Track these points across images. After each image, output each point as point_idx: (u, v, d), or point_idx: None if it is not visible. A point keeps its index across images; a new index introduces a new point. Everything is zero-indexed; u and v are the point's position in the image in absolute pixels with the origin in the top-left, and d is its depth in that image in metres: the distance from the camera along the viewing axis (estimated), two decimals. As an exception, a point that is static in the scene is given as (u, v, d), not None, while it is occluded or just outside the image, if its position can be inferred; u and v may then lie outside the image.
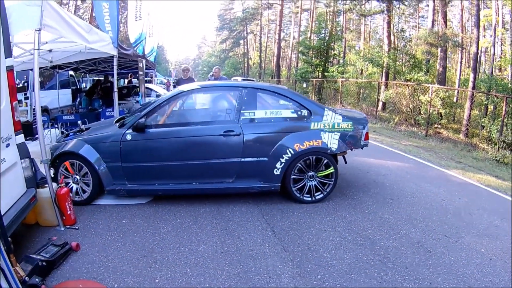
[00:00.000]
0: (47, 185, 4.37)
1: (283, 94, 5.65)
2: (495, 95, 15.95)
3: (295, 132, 5.32)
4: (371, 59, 24.71)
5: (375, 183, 6.90)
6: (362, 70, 28.72)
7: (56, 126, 9.04)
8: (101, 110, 10.31)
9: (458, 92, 20.55)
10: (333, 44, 32.67)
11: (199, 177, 5.32)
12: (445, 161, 9.97)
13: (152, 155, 5.17)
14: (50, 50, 7.37)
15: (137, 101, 12.20)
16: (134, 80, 15.75)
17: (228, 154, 5.23)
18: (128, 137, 5.10)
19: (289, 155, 5.21)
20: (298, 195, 5.53)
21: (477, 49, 18.45)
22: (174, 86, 9.20)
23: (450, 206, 6.06)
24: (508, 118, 13.92)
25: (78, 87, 16.62)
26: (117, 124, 5.60)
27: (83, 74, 15.48)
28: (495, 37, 25.44)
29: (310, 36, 36.46)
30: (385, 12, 25.60)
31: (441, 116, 16.95)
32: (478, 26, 18.05)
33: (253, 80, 39.65)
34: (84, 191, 5.29)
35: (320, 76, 30.13)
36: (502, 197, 7.07)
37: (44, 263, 3.43)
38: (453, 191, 6.95)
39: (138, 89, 12.89)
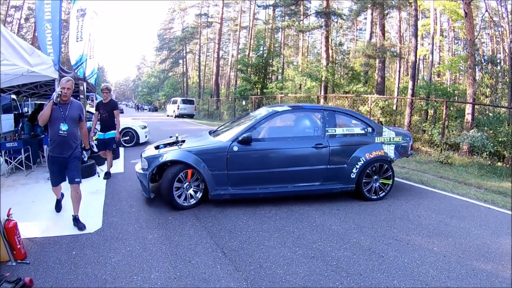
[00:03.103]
0: (-6, 219, 4.10)
1: (353, 115, 7.13)
2: (435, 100, 16.75)
3: (364, 145, 6.70)
4: (309, 73, 25.30)
5: (320, 195, 6.89)
6: (300, 85, 29.33)
7: None
8: (43, 136, 9.75)
9: (397, 100, 21.43)
10: (271, 60, 33.36)
11: (294, 181, 6.42)
12: (389, 168, 10.21)
13: (256, 163, 6.22)
14: (-7, 74, 6.87)
15: None
16: None
17: (318, 162, 6.44)
18: (235, 148, 6.09)
19: (362, 162, 6.57)
20: (367, 194, 6.75)
21: (415, 58, 19.38)
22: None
23: (398, 211, 6.21)
24: (449, 121, 14.61)
25: (21, 111, 15.78)
26: (212, 136, 6.92)
27: (25, 98, 14.73)
28: (433, 45, 26.93)
29: (249, 53, 37.10)
30: (323, 27, 26.37)
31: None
32: (416, 36, 19.00)
33: (193, 100, 39.77)
34: (191, 197, 6.19)
35: (259, 93, 30.68)
36: (449, 196, 7.37)
37: (-1, 302, 3.28)
38: (399, 196, 7.14)
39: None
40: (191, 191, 6.17)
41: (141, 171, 6.31)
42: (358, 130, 6.88)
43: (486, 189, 8.20)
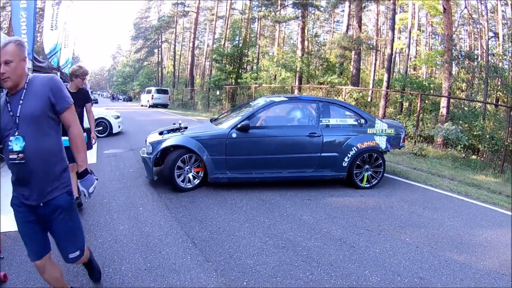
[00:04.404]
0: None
1: (347, 107, 7.53)
2: (410, 93, 16.95)
3: (357, 135, 7.00)
4: (284, 64, 25.33)
5: (292, 185, 6.96)
6: (275, 75, 29.36)
7: None
8: None
9: (372, 92, 21.61)
10: (246, 50, 33.26)
11: (288, 167, 6.79)
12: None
13: (252, 149, 6.61)
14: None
15: None
16: None
17: (311, 150, 6.77)
18: (234, 135, 6.50)
19: (354, 151, 6.87)
20: (358, 182, 7.03)
21: (392, 51, 19.67)
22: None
23: (370, 201, 6.22)
24: (423, 114, 14.78)
25: None
26: (213, 123, 7.39)
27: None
28: (410, 39, 27.33)
29: (224, 43, 36.85)
30: (300, 18, 26.39)
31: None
32: (393, 29, 19.26)
33: (167, 90, 39.55)
34: (194, 178, 6.61)
35: (233, 83, 30.68)
36: (422, 187, 7.42)
37: (-27, 298, 3.13)
38: (372, 187, 7.13)
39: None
40: (191, 175, 6.57)
41: (145, 155, 6.77)
42: (351, 121, 7.23)
43: (460, 181, 8.29)
